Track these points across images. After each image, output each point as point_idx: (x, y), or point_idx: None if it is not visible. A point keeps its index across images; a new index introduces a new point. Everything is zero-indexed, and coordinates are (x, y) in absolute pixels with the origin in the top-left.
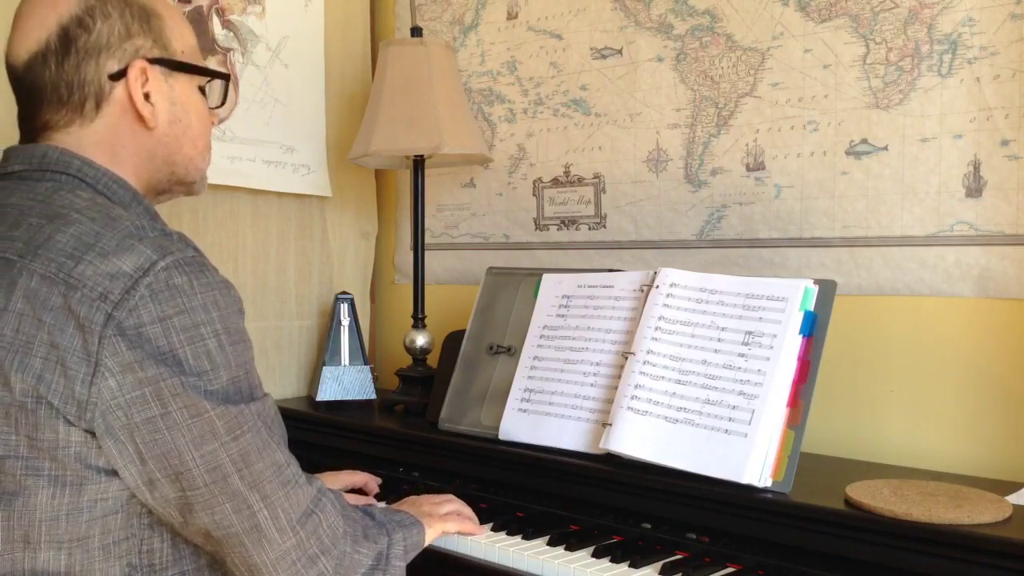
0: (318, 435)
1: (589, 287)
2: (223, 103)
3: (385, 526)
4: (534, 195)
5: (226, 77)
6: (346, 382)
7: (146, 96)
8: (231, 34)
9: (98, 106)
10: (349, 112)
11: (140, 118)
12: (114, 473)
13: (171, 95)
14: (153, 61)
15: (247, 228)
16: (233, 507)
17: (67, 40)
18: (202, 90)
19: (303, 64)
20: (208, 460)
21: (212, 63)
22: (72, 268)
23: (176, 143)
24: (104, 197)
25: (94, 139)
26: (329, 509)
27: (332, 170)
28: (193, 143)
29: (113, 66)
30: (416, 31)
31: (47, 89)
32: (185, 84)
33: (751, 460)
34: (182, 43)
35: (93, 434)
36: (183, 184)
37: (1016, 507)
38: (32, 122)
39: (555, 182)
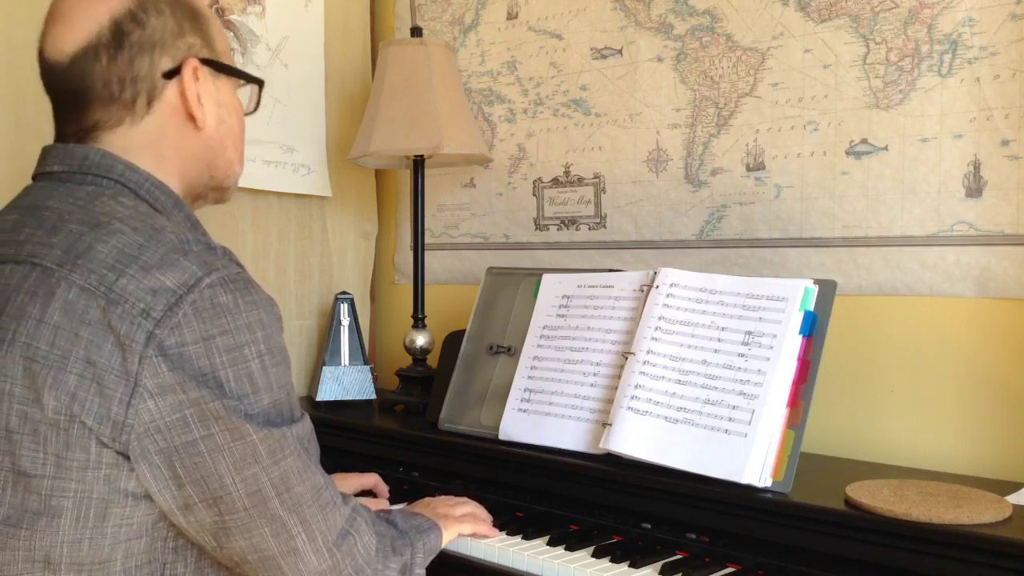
0: (318, 435)
1: (589, 287)
2: (256, 109)
3: (408, 535)
4: (534, 195)
5: (261, 83)
6: (346, 382)
7: (196, 96)
8: (231, 34)
9: (149, 104)
10: (349, 112)
11: (190, 118)
12: (143, 497)
13: (218, 97)
14: (203, 61)
15: (247, 228)
16: (272, 531)
17: (120, 34)
18: None
19: (303, 64)
20: (249, 484)
21: None
22: (113, 281)
23: (221, 145)
24: (146, 204)
25: (142, 140)
26: (363, 528)
27: (332, 170)
28: (235, 145)
29: (167, 63)
30: (416, 31)
31: (96, 86)
32: (228, 86)
33: (751, 460)
34: (223, 45)
35: (126, 456)
36: (218, 190)
37: (1016, 507)
38: (78, 124)
39: (555, 182)
